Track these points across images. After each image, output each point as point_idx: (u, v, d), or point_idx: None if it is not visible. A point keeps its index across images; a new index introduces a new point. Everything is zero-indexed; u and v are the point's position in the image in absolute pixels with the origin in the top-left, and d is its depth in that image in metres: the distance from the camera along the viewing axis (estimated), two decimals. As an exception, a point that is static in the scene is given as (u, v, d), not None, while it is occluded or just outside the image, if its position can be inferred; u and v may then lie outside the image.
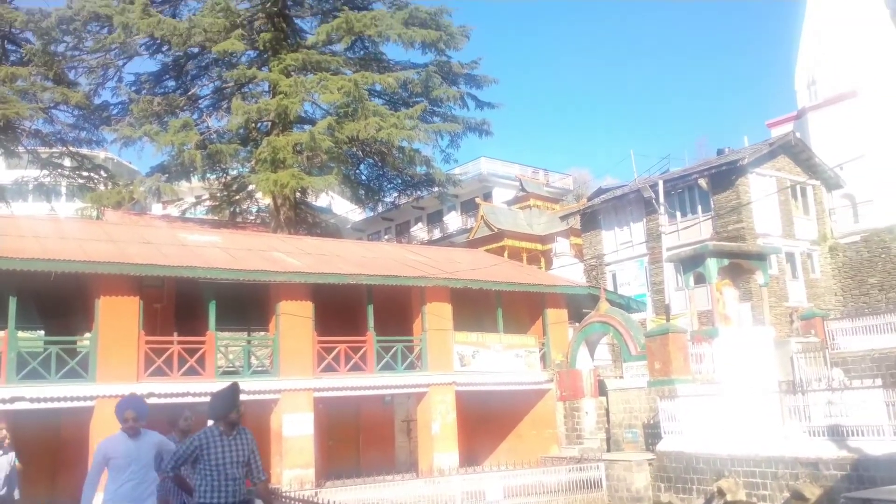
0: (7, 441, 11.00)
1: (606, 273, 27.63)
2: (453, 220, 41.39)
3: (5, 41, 31.44)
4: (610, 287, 25.91)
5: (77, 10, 26.02)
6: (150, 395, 14.96)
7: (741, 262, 20.31)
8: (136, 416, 6.07)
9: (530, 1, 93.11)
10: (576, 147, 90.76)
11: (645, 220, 26.25)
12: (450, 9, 29.25)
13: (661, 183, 24.72)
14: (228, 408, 5.34)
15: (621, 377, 19.42)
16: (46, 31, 27.36)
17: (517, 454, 19.71)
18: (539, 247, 34.57)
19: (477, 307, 20.59)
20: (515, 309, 21.36)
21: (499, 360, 20.22)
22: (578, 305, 22.40)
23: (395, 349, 18.63)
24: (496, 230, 33.82)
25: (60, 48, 28.42)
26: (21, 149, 31.15)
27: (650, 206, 25.17)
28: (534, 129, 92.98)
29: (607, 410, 19.06)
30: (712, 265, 19.39)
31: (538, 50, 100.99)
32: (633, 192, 26.45)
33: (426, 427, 18.86)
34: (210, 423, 5.42)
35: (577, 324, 21.70)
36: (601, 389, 19.96)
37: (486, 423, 21.89)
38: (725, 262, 19.75)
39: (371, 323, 18.52)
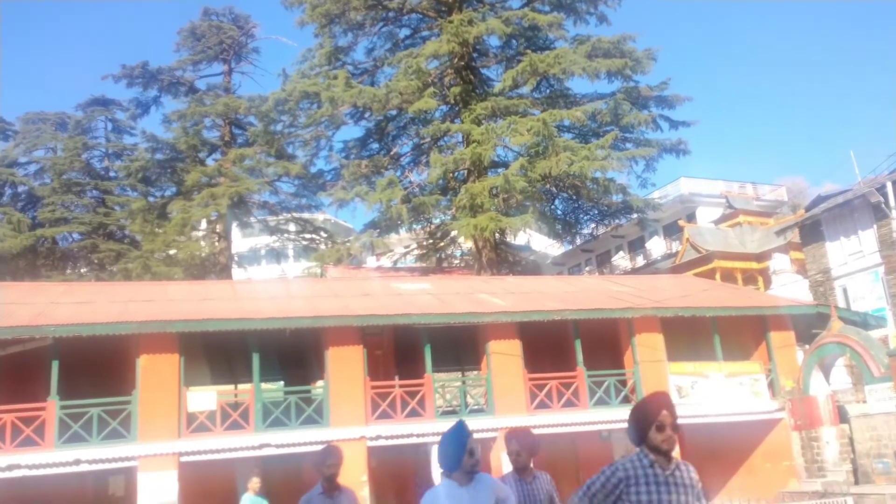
0: (259, 487, 12.35)
1: (835, 288, 25.17)
2: (656, 246, 40.03)
3: (232, 126, 35.96)
4: (841, 303, 23.57)
5: (290, 91, 29.02)
6: (378, 437, 16.00)
7: None
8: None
9: (719, 8, 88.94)
10: (785, 155, 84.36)
11: (875, 226, 23.69)
12: (633, 35, 28.92)
13: (889, 184, 22.27)
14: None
15: (864, 402, 17.49)
16: (266, 113, 30.86)
17: (751, 490, 18.35)
18: (754, 265, 32.35)
19: (691, 335, 19.69)
20: (734, 334, 20.13)
21: (720, 390, 19.09)
22: (806, 326, 20.58)
23: (607, 383, 18.31)
24: (704, 252, 32.20)
25: (278, 127, 31.82)
26: (252, 219, 35.22)
27: (879, 211, 22.73)
28: (735, 141, 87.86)
29: (851, 439, 17.24)
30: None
31: (732, 59, 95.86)
32: (859, 197, 24.02)
33: (647, 463, 18.18)
34: (633, 451, 3.66)
35: (806, 346, 19.95)
36: (841, 416, 18.10)
37: (713, 457, 20.60)
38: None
39: (580, 358, 18.39)
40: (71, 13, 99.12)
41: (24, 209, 36.35)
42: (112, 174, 37.72)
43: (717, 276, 30.39)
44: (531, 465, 5.06)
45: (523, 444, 5.20)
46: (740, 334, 20.42)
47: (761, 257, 31.87)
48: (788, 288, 26.94)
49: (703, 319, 19.35)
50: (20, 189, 37.59)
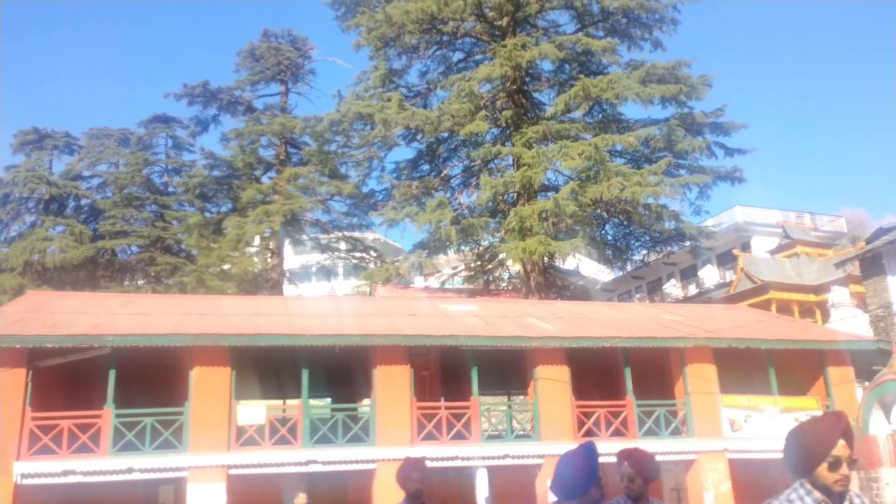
0: (305, 504, 12.39)
1: (898, 324, 24.26)
2: (709, 275, 39.27)
3: (287, 145, 36.73)
4: (904, 339, 22.69)
5: (344, 112, 29.54)
6: (424, 458, 15.93)
7: None
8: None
9: (779, 35, 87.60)
10: (845, 185, 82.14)
11: (942, 260, 22.83)
12: (688, 61, 28.69)
13: (958, 217, 21.46)
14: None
15: (929, 444, 16.76)
16: (320, 133, 31.46)
17: (806, 531, 17.67)
18: (812, 298, 31.45)
19: (745, 368, 19.20)
20: (790, 368, 19.56)
21: (775, 425, 18.51)
22: (866, 362, 19.88)
23: (656, 413, 17.96)
24: (759, 282, 31.46)
25: (332, 147, 32.38)
26: (304, 237, 35.80)
27: (947, 245, 21.88)
28: (793, 170, 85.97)
29: (915, 483, 16.51)
30: None
31: (790, 86, 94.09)
32: (923, 230, 23.20)
33: (698, 497, 17.73)
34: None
35: (866, 383, 19.25)
36: (904, 458, 17.37)
37: (766, 495, 19.95)
38: None
39: (629, 386, 18.09)
40: (138, 34, 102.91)
41: (86, 221, 37.58)
42: (171, 189, 38.80)
43: (773, 307, 29.64)
44: (647, 493, 4.30)
45: (639, 468, 4.35)
46: (796, 368, 19.83)
47: (819, 290, 30.97)
48: (847, 322, 26.07)
49: (757, 352, 18.88)
50: (83, 202, 38.90)
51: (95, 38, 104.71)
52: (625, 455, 4.45)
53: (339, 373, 18.22)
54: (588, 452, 3.60)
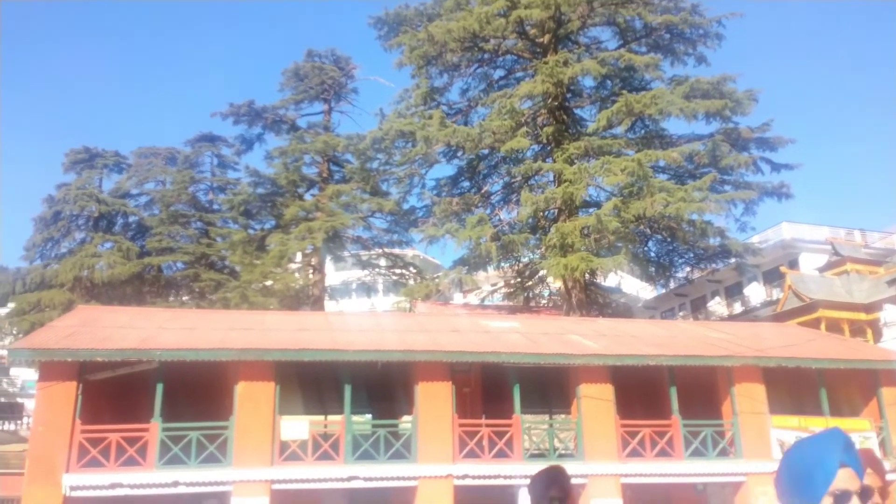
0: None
1: (956, 344, 23.42)
2: (755, 293, 38.39)
3: (330, 163, 37.17)
4: (963, 360, 21.85)
5: (386, 130, 29.78)
6: (465, 476, 15.83)
7: None
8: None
9: (827, 49, 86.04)
10: (896, 200, 79.70)
11: None
12: (733, 76, 28.29)
13: None
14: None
15: None
16: (363, 151, 31.74)
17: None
18: (863, 316, 30.50)
19: (794, 388, 18.71)
20: (842, 389, 19.01)
21: (827, 447, 17.95)
22: (922, 382, 19.21)
23: (703, 434, 17.56)
24: (808, 301, 30.63)
25: (374, 164, 32.62)
26: (346, 253, 36.06)
27: None
28: (842, 186, 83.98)
29: (978, 511, 15.79)
30: None
31: (838, 101, 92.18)
32: (982, 247, 22.41)
33: (746, 520, 17.27)
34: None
35: (923, 405, 18.57)
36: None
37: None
38: None
39: (675, 406, 17.74)
40: (188, 57, 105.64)
41: (133, 238, 38.47)
42: (216, 207, 39.50)
43: (822, 326, 28.82)
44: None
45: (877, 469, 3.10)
46: (848, 389, 19.27)
47: (870, 308, 30.04)
48: (902, 341, 25.25)
49: (807, 371, 18.39)
50: (131, 219, 39.83)
51: (147, 62, 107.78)
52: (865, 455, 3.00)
53: (381, 389, 18.25)
54: (834, 439, 1.93)
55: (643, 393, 18.56)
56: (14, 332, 35.01)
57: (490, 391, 18.82)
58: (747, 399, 17.87)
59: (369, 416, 19.00)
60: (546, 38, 30.04)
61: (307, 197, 36.27)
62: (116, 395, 16.76)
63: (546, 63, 27.91)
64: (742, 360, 17.98)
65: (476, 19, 27.45)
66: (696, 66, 30.53)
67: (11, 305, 37.14)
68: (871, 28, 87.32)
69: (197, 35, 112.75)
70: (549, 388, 18.73)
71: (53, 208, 37.09)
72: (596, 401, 17.31)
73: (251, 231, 35.92)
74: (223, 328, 18.37)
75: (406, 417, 17.56)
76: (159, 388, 15.56)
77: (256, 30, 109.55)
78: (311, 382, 17.50)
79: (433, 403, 16.65)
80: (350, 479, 15.82)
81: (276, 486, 15.30)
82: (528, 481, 3.58)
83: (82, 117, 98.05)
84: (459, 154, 31.35)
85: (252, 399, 15.81)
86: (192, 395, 16.17)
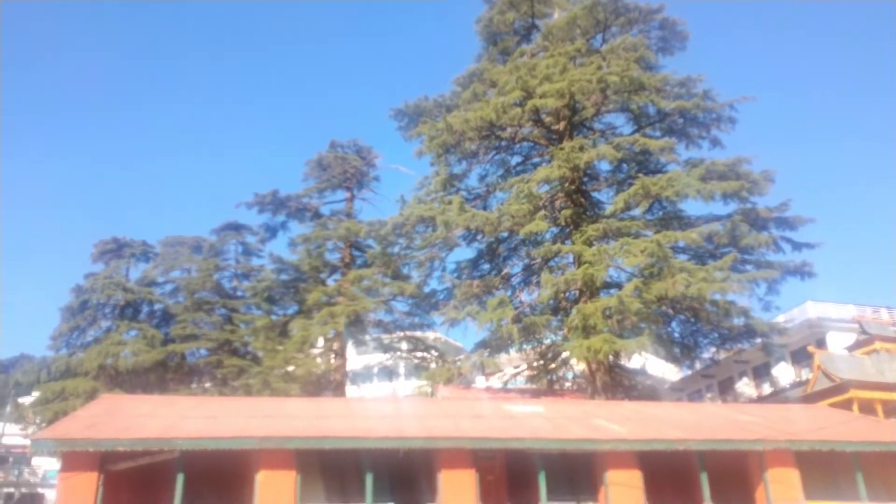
0: None
1: None
2: (783, 373, 37.62)
3: (352, 248, 37.72)
4: None
5: (407, 216, 30.31)
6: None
7: None
8: None
9: (844, 128, 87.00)
10: (923, 276, 78.64)
11: None
12: (748, 157, 28.61)
13: None
14: None
15: None
16: (384, 237, 32.25)
17: None
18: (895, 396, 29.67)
19: (830, 472, 18.09)
20: (879, 472, 18.34)
21: (868, 536, 17.24)
22: (964, 466, 18.51)
23: (737, 522, 16.95)
24: (838, 381, 29.88)
25: (395, 249, 33.04)
26: (367, 337, 36.11)
27: None
28: (866, 264, 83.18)
29: None
30: None
31: (854, 180, 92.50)
32: None
33: None
34: None
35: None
36: None
37: None
38: None
39: (706, 492, 17.20)
40: (217, 151, 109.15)
41: (158, 325, 38.91)
42: (239, 293, 40.00)
43: (855, 407, 28.03)
44: None
45: None
46: (886, 472, 18.60)
47: (904, 388, 29.23)
48: (940, 422, 24.44)
49: (842, 455, 17.83)
50: (156, 307, 40.40)
51: (178, 157, 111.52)
52: None
53: (403, 476, 17.89)
54: None
55: (673, 479, 18.02)
56: (37, 420, 35.09)
57: (515, 479, 18.39)
58: (781, 485, 17.29)
59: (391, 504, 18.66)
60: (562, 125, 30.82)
61: (329, 282, 36.66)
62: (138, 485, 16.59)
63: (562, 149, 28.53)
64: (774, 443, 17.50)
65: (493, 109, 28.30)
66: (711, 148, 31.05)
67: (36, 394, 37.36)
68: (888, 104, 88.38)
69: (223, 130, 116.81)
70: (575, 474, 18.26)
71: (81, 297, 37.80)
72: (625, 488, 16.85)
73: (274, 317, 36.20)
74: (244, 415, 18.31)
75: (430, 506, 17.16)
76: (180, 477, 15.43)
77: (282, 124, 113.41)
78: (333, 470, 17.24)
79: (457, 492, 16.30)
80: (372, 572, 15.37)
81: (297, 581, 14.89)
82: None
83: (114, 210, 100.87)
84: (479, 237, 31.70)
85: (273, 489, 15.59)
86: (214, 484, 16.00)
